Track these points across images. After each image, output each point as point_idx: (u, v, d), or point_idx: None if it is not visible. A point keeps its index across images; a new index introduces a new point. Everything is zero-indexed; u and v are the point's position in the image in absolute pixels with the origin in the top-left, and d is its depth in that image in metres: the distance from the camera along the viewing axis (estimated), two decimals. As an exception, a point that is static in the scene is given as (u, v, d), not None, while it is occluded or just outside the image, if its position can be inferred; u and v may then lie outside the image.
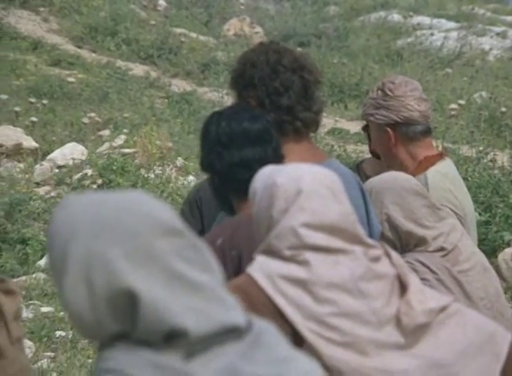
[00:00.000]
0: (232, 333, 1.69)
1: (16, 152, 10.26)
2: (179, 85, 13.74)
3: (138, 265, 1.67)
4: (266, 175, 2.83)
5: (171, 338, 1.66)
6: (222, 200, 3.26)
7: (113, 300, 1.66)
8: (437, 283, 3.44)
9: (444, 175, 3.90)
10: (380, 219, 3.51)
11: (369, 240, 2.85)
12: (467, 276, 3.52)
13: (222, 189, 3.22)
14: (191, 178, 10.03)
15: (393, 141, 4.02)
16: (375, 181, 3.67)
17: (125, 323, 1.67)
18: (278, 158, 3.23)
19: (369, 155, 4.27)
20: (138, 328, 1.66)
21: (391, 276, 2.80)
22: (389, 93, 4.03)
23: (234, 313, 1.72)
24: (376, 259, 2.80)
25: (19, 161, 10.15)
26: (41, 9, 15.33)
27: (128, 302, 1.66)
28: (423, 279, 3.40)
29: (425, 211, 3.54)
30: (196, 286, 1.70)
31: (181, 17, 16.11)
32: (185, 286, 1.69)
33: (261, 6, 17.67)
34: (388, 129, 4.02)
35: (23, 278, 7.88)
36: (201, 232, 3.68)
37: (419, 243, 3.51)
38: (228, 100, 11.16)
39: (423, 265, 3.46)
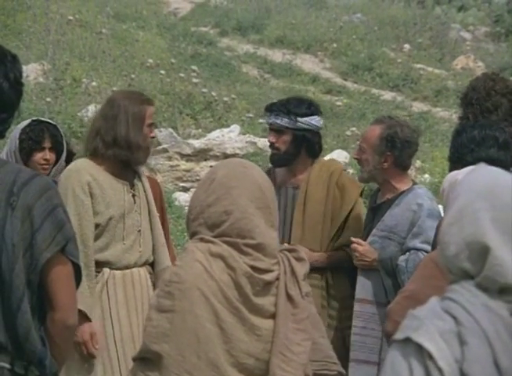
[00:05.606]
0: None
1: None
2: (418, 107, 13.56)
3: (499, 229, 1.60)
4: (451, 176, 2.77)
5: (505, 292, 1.60)
6: None
7: (471, 245, 1.62)
8: None
9: None
10: None
11: None
12: None
13: None
14: (426, 176, 9.87)
15: None
16: None
17: (474, 265, 1.62)
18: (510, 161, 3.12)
19: None
20: (481, 274, 1.61)
21: None
22: None
23: None
24: None
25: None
26: (319, 52, 15.55)
27: (481, 251, 1.61)
28: None
29: None
30: None
31: (420, 56, 15.86)
32: None
33: (482, 46, 17.15)
34: None
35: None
36: None
37: None
38: (455, 118, 10.90)
39: None
